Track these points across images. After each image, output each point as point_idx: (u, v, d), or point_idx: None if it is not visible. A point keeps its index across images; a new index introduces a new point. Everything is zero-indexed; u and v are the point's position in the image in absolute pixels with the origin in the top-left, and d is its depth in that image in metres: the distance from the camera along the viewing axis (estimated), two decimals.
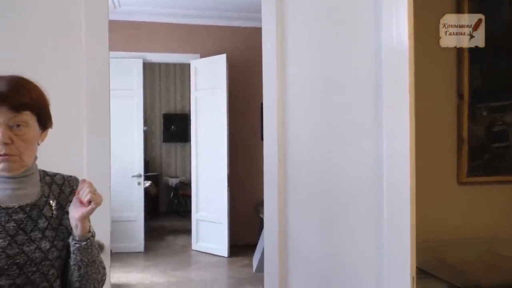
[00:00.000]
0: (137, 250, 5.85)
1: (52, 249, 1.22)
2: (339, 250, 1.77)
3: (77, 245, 1.20)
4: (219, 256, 5.69)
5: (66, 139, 1.87)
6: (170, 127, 9.18)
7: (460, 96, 2.32)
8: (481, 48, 2.26)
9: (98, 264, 1.26)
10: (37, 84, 1.25)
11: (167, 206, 8.99)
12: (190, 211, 6.28)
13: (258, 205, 5.00)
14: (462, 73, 2.30)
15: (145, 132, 6.38)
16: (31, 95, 1.21)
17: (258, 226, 5.34)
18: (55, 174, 1.34)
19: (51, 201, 1.27)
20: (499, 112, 2.35)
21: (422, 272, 1.84)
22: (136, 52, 5.82)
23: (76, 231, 1.20)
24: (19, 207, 1.21)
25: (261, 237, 4.95)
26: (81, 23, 1.96)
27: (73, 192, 1.29)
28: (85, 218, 1.19)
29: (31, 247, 1.19)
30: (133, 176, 5.81)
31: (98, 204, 1.17)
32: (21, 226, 1.20)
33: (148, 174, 7.93)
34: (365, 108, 1.62)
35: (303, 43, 1.99)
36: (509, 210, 2.34)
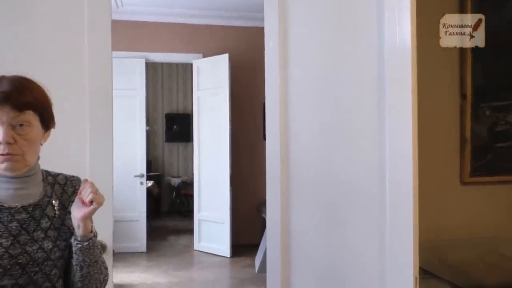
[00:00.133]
0: (139, 250, 5.85)
1: (55, 249, 1.22)
2: (341, 250, 1.76)
3: (79, 245, 1.20)
4: (221, 256, 5.69)
5: (68, 138, 1.87)
6: (173, 127, 9.19)
7: (463, 96, 2.31)
8: (484, 48, 2.25)
9: (101, 264, 1.27)
10: (40, 84, 1.26)
11: (169, 206, 8.99)
12: (192, 211, 6.29)
13: (261, 205, 5.00)
14: (465, 72, 2.30)
15: (147, 132, 6.40)
16: (34, 94, 1.21)
17: (260, 226, 5.34)
18: (58, 174, 1.35)
19: (53, 201, 1.28)
20: (502, 112, 2.34)
21: (424, 272, 1.84)
22: (139, 52, 5.82)
23: (78, 231, 1.20)
24: (22, 207, 1.22)
25: (263, 237, 4.95)
26: (84, 23, 1.97)
27: (75, 192, 1.29)
28: (87, 218, 1.19)
29: (34, 247, 1.19)
30: (135, 176, 5.81)
31: (100, 204, 1.17)
32: (24, 226, 1.20)
33: (151, 174, 7.93)
34: (367, 108, 1.62)
35: (305, 43, 1.98)
36: None
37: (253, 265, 5.27)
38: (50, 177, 1.32)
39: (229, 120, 5.64)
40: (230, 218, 5.64)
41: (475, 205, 2.33)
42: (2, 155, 1.16)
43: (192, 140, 6.30)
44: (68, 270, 1.26)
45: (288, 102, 2.04)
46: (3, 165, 1.17)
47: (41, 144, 1.27)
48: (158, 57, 6.20)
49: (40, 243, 1.20)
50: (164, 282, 4.83)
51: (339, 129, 1.79)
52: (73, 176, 1.37)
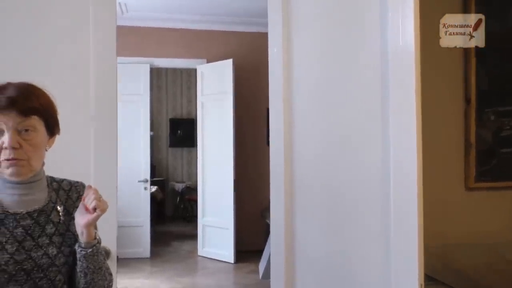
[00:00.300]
0: (143, 256, 5.85)
1: (59, 255, 1.23)
2: (346, 257, 1.75)
3: (83, 252, 1.20)
4: (225, 262, 5.67)
5: (73, 144, 1.87)
6: (177, 132, 9.20)
7: (467, 100, 2.30)
8: (488, 51, 2.25)
9: (105, 271, 1.26)
10: (45, 91, 1.27)
11: (173, 211, 8.99)
12: (196, 216, 6.28)
13: (264, 211, 4.99)
14: (469, 77, 2.29)
15: (151, 137, 6.40)
16: (39, 100, 1.22)
17: (264, 231, 5.33)
18: (62, 180, 1.35)
19: (58, 207, 1.28)
20: (507, 117, 2.33)
21: (429, 279, 1.82)
22: (143, 57, 5.85)
23: (82, 238, 1.20)
24: (27, 213, 1.22)
25: (267, 243, 4.93)
26: (89, 29, 1.98)
27: (80, 197, 1.29)
28: (90, 225, 1.19)
29: (39, 253, 1.19)
30: (139, 181, 5.82)
31: (103, 211, 1.18)
32: (29, 231, 1.20)
33: (155, 179, 7.94)
34: (371, 112, 1.62)
35: (309, 47, 1.99)
36: None
37: (257, 271, 5.25)
38: (54, 183, 1.32)
39: (233, 125, 5.65)
40: (234, 223, 5.63)
41: (480, 210, 2.31)
42: (8, 160, 1.16)
43: (196, 145, 6.30)
44: (73, 276, 1.26)
45: (291, 106, 2.04)
46: (9, 171, 1.18)
47: (46, 150, 1.27)
48: (163, 62, 6.23)
49: (45, 249, 1.20)
50: None
51: (343, 134, 1.78)
52: (77, 182, 1.37)
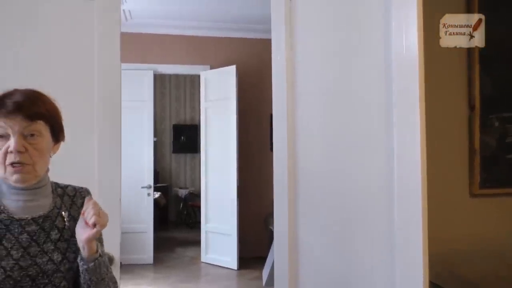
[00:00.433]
0: (146, 262, 5.83)
1: (64, 261, 1.23)
2: (350, 264, 1.75)
3: (85, 266, 1.20)
4: (228, 268, 5.65)
5: (77, 150, 1.88)
6: (180, 138, 9.22)
7: (471, 106, 2.30)
8: (492, 56, 2.24)
9: (108, 281, 1.25)
10: (51, 98, 1.28)
11: (177, 217, 8.98)
12: (199, 222, 6.27)
13: (268, 217, 4.98)
14: (473, 83, 2.29)
15: (155, 143, 6.41)
16: (46, 106, 1.24)
17: (267, 238, 5.31)
18: (67, 186, 1.35)
19: (63, 213, 1.28)
20: (511, 123, 2.32)
21: (434, 286, 1.81)
22: (147, 63, 5.87)
23: (83, 253, 1.19)
24: (32, 218, 1.22)
25: (271, 250, 4.91)
26: (93, 36, 1.99)
27: None
28: (91, 241, 1.18)
29: (44, 259, 1.19)
30: (142, 187, 5.82)
31: (103, 226, 1.17)
32: (34, 237, 1.21)
33: (158, 185, 7.94)
34: (375, 118, 1.61)
35: (313, 54, 1.99)
36: None
37: (260, 278, 5.23)
38: (59, 189, 1.33)
39: (236, 131, 5.65)
40: (237, 229, 5.61)
41: (485, 217, 2.30)
42: (13, 164, 1.17)
43: (200, 151, 6.30)
44: (78, 282, 1.26)
45: (295, 112, 2.04)
46: (14, 177, 1.18)
47: (50, 157, 1.28)
48: (166, 68, 6.25)
49: (50, 255, 1.21)
50: None
51: (347, 140, 1.78)
52: (82, 188, 1.38)
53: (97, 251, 1.22)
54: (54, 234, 1.24)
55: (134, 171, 5.63)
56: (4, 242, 1.17)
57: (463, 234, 2.24)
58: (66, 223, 1.27)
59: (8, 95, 1.21)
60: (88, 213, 1.17)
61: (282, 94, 2.08)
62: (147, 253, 5.88)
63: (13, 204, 1.22)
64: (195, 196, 8.44)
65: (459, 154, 2.30)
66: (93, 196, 1.36)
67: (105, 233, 1.31)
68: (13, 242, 1.18)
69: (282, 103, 2.08)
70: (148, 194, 5.86)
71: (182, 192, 8.90)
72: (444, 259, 2.10)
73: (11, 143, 1.16)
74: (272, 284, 2.26)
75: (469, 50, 2.27)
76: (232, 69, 5.68)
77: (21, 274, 1.15)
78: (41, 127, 1.21)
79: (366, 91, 1.68)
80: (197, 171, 8.42)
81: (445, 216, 2.18)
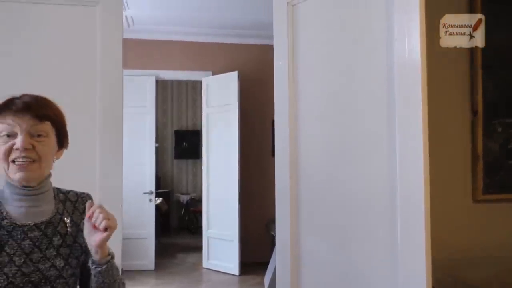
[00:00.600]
0: (148, 268, 5.81)
1: (66, 266, 1.22)
2: (353, 269, 1.74)
3: (98, 268, 1.20)
4: (230, 274, 5.63)
5: (79, 156, 1.88)
6: (182, 144, 9.22)
7: (474, 112, 2.29)
8: (495, 62, 2.24)
9: (119, 282, 1.26)
10: (57, 104, 1.30)
11: (178, 222, 8.97)
12: (201, 228, 6.26)
13: (270, 222, 4.96)
14: (476, 88, 2.28)
15: (156, 149, 6.41)
16: (53, 110, 1.26)
17: (269, 243, 5.29)
18: (69, 191, 1.35)
19: (65, 218, 1.28)
20: None
21: None
22: (149, 69, 5.89)
23: (96, 256, 1.20)
24: (35, 224, 1.22)
25: (272, 255, 4.89)
26: (96, 42, 2.00)
27: None
28: (103, 244, 1.19)
29: (46, 265, 1.19)
30: (144, 193, 5.81)
31: (114, 228, 1.17)
32: (37, 243, 1.20)
33: (159, 190, 7.93)
34: (378, 124, 1.61)
35: (315, 60, 1.99)
36: None
37: (262, 284, 5.21)
38: (61, 194, 1.33)
39: (238, 137, 5.65)
40: (238, 235, 5.60)
41: (488, 222, 2.29)
42: (17, 161, 1.17)
43: (201, 157, 6.30)
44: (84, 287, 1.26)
45: (297, 118, 2.04)
46: (17, 175, 1.18)
47: (53, 161, 1.28)
48: (168, 74, 6.26)
49: (52, 261, 1.20)
50: None
51: (349, 146, 1.78)
52: (83, 193, 1.38)
53: (108, 253, 1.22)
54: (57, 240, 1.24)
55: (135, 177, 5.62)
56: (6, 248, 1.17)
57: (465, 240, 2.24)
58: (68, 229, 1.27)
59: (18, 97, 1.23)
60: (97, 217, 1.17)
61: (284, 99, 2.08)
62: (149, 259, 5.86)
63: (16, 210, 1.22)
64: (197, 202, 8.43)
65: (462, 159, 2.30)
66: (94, 202, 1.35)
67: None
68: (16, 248, 1.18)
69: (284, 109, 2.08)
70: (150, 200, 5.85)
71: (184, 198, 8.89)
72: (447, 264, 2.09)
73: (18, 140, 1.17)
74: None
75: (472, 55, 2.27)
76: (233, 75, 5.69)
77: (24, 280, 1.15)
78: (48, 128, 1.23)
79: (369, 96, 1.68)
80: (199, 176, 8.41)
81: (448, 221, 2.17)
